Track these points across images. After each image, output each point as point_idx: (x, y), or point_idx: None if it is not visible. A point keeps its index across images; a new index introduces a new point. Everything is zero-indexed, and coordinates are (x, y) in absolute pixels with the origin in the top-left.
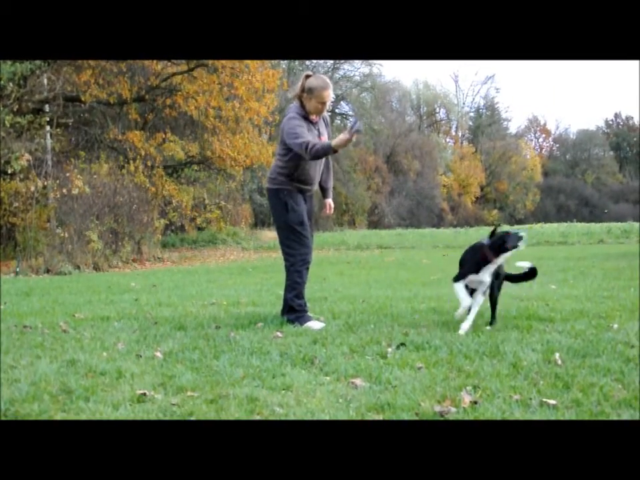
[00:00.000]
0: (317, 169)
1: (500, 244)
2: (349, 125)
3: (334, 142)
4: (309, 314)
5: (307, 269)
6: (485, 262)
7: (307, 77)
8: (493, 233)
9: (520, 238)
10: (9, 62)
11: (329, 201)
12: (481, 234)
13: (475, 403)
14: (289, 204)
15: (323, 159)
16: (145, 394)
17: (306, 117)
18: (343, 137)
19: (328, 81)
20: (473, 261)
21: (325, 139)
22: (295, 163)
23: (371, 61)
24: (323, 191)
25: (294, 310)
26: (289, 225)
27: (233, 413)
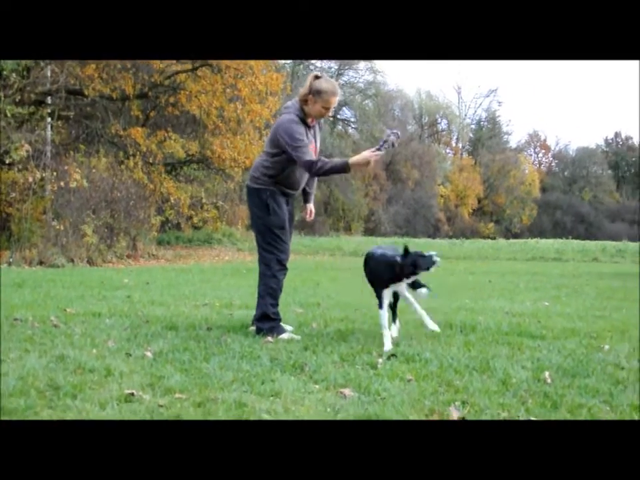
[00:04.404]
0: (303, 173)
1: (413, 265)
2: (385, 136)
3: (352, 160)
4: (282, 324)
5: (284, 275)
6: (398, 279)
7: (316, 77)
8: (406, 252)
9: (433, 262)
10: None
11: (310, 206)
12: (476, 246)
13: (463, 419)
14: (270, 206)
15: None
16: (132, 394)
17: (303, 120)
18: (366, 154)
19: (337, 86)
20: (385, 277)
21: (314, 146)
22: (283, 165)
23: (375, 69)
24: (305, 195)
25: (269, 318)
26: (269, 227)
27: (221, 417)
